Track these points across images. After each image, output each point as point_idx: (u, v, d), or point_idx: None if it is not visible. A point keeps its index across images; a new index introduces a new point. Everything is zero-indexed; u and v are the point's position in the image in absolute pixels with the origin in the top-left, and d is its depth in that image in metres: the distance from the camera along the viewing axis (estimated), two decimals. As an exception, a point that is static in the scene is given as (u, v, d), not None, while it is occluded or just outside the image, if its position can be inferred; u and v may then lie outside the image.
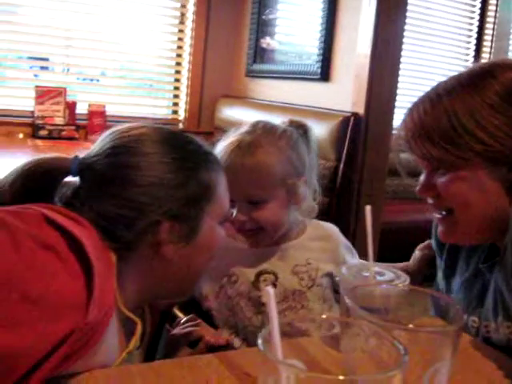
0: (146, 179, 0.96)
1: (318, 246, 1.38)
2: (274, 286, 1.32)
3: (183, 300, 1.35)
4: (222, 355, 0.96)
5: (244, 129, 1.34)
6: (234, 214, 1.19)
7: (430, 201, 1.14)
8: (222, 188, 1.06)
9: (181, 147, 1.02)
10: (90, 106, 3.42)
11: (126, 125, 1.04)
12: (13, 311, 0.73)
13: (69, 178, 0.96)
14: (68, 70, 3.57)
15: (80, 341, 0.78)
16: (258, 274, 1.33)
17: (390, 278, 1.00)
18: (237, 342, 1.29)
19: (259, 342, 0.53)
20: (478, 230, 1.11)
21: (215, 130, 3.67)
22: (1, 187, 0.96)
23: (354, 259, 1.45)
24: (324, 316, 0.83)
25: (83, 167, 0.96)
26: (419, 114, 1.12)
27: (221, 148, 1.29)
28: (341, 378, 0.50)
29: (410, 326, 0.65)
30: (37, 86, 3.33)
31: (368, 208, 1.02)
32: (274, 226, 1.31)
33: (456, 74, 1.12)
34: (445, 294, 1.25)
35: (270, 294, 0.53)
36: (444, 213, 1.13)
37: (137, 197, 0.95)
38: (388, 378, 0.51)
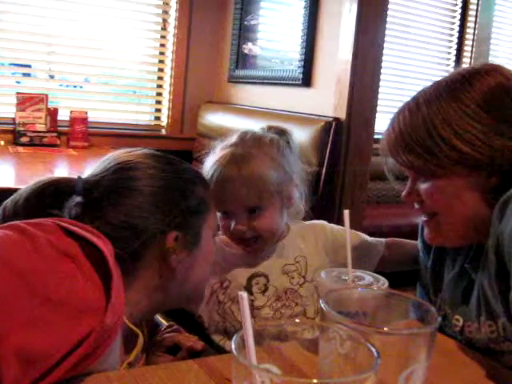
0: (152, 189, 1.02)
1: (305, 242, 1.41)
2: (266, 288, 1.35)
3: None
4: (202, 361, 0.96)
5: (233, 140, 1.36)
6: (233, 225, 1.28)
7: (415, 205, 1.16)
8: (212, 202, 1.14)
9: (177, 164, 1.10)
10: (71, 112, 3.40)
11: (128, 148, 1.11)
12: (35, 312, 0.76)
13: (75, 196, 1.00)
14: (53, 76, 3.55)
15: (95, 344, 0.80)
16: (250, 278, 1.36)
17: (368, 281, 1.01)
18: (228, 346, 1.29)
19: (232, 346, 0.53)
20: (461, 233, 1.13)
21: (198, 136, 3.67)
22: (14, 203, 0.99)
23: (368, 240, 1.48)
24: (297, 320, 0.83)
25: (88, 186, 1.01)
26: (399, 123, 1.13)
27: (213, 161, 1.31)
28: (314, 381, 0.50)
29: (385, 328, 0.65)
30: (18, 93, 3.31)
31: (346, 212, 1.03)
32: (271, 231, 1.34)
33: (437, 80, 1.14)
34: (423, 290, 1.27)
35: (243, 298, 0.54)
36: (428, 217, 1.15)
37: (144, 207, 1.01)
38: (361, 380, 0.51)
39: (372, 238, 1.48)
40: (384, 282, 1.00)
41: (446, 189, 1.09)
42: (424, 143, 1.08)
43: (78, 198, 1.00)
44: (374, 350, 0.55)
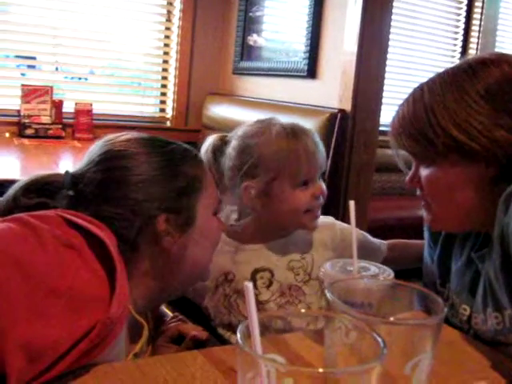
0: (137, 178, 1.01)
1: (313, 239, 1.41)
2: (271, 282, 1.35)
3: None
4: (207, 351, 0.96)
5: (277, 121, 1.37)
6: (316, 190, 1.32)
7: (417, 192, 1.18)
8: (208, 180, 1.12)
9: (163, 147, 1.08)
10: (76, 104, 3.41)
11: (112, 134, 1.09)
12: (40, 305, 0.76)
13: (65, 191, 1.01)
14: (57, 69, 3.56)
15: (100, 335, 0.80)
16: (254, 272, 1.36)
17: (374, 272, 1.01)
18: (234, 339, 1.30)
19: (238, 336, 0.53)
20: (458, 220, 1.14)
21: (203, 128, 3.67)
22: (6, 200, 1.00)
23: (372, 240, 1.50)
24: (303, 310, 0.83)
25: (75, 180, 1.02)
26: (403, 110, 1.14)
27: (277, 136, 1.32)
28: (320, 370, 0.50)
29: (391, 318, 0.65)
30: (23, 85, 3.31)
31: (352, 203, 1.03)
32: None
33: (445, 68, 1.13)
34: (427, 287, 1.27)
35: (248, 288, 0.53)
36: (427, 202, 1.16)
37: (131, 195, 1.00)
38: (366, 370, 0.51)
39: (375, 239, 1.49)
40: (390, 273, 1.00)
41: (443, 176, 1.10)
42: (423, 130, 1.09)
43: (67, 192, 1.00)
44: (379, 339, 0.54)
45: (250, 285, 0.53)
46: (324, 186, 1.35)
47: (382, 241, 1.50)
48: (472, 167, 1.06)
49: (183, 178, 1.06)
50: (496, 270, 1.01)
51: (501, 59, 1.08)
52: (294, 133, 1.33)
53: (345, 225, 1.46)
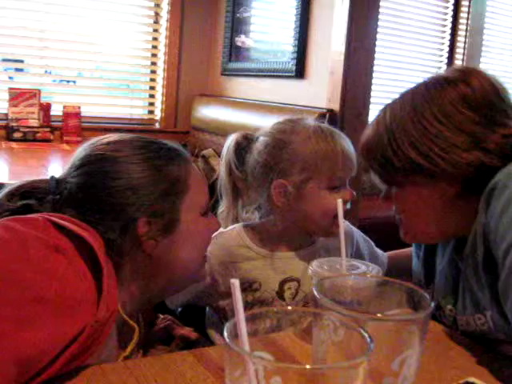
0: (117, 182, 1.00)
1: (337, 246, 1.37)
2: (297, 293, 1.32)
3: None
4: (196, 351, 0.96)
5: (307, 120, 1.35)
6: (345, 195, 1.28)
7: (394, 208, 1.19)
8: (195, 180, 1.09)
9: (145, 148, 1.06)
10: (64, 107, 3.39)
11: (95, 138, 1.08)
12: (27, 312, 0.76)
13: (50, 196, 1.00)
14: (46, 72, 3.55)
15: (89, 339, 0.80)
16: (283, 283, 1.32)
17: (363, 270, 1.01)
18: None
19: (225, 334, 0.53)
20: (432, 234, 1.15)
21: (192, 130, 3.67)
22: None
23: (376, 250, 1.49)
24: (290, 308, 0.83)
25: (59, 184, 1.02)
26: (368, 134, 1.16)
27: (313, 137, 1.29)
28: (307, 367, 0.50)
29: (378, 315, 0.66)
30: (10, 88, 3.30)
31: (339, 201, 1.04)
32: None
33: (406, 89, 1.14)
34: (417, 285, 1.27)
35: (235, 286, 0.53)
36: (400, 218, 1.17)
37: (110, 199, 0.99)
38: (353, 365, 0.51)
39: (378, 250, 1.49)
40: (378, 270, 1.00)
41: (409, 196, 1.12)
42: (386, 153, 1.10)
43: (52, 197, 1.00)
44: (366, 335, 0.55)
45: (236, 282, 0.53)
46: (354, 192, 1.32)
47: (384, 252, 1.50)
48: (435, 187, 1.07)
49: (165, 180, 1.04)
50: (478, 272, 1.01)
51: (459, 78, 1.08)
52: (332, 134, 1.30)
53: (359, 232, 1.45)
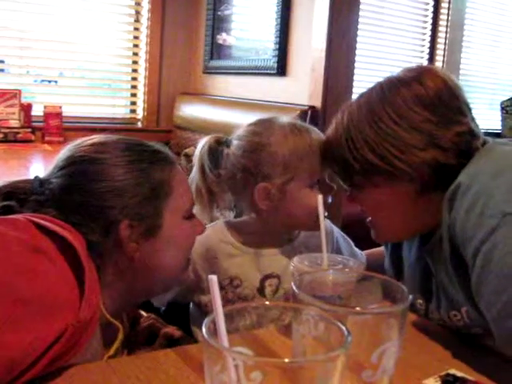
0: (98, 184, 1.00)
1: (318, 243, 1.37)
2: (277, 289, 1.32)
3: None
4: (179, 349, 0.96)
5: (278, 119, 1.34)
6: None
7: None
8: (179, 183, 1.09)
9: (129, 150, 1.06)
10: (45, 107, 3.37)
11: (80, 139, 1.07)
12: (8, 313, 0.75)
13: (33, 196, 1.00)
14: (27, 72, 3.52)
15: (72, 339, 0.80)
16: (264, 279, 1.32)
17: (344, 266, 1.02)
18: None
19: (203, 330, 0.53)
20: (397, 232, 1.16)
21: (174, 128, 3.66)
22: None
23: (355, 249, 1.49)
24: (267, 303, 0.83)
25: (43, 185, 1.01)
26: (328, 135, 1.19)
27: (286, 133, 1.28)
28: (286, 360, 0.51)
29: (357, 308, 0.66)
30: (-10, 89, 3.27)
31: (319, 197, 1.04)
32: None
33: (364, 91, 1.15)
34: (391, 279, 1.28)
35: (212, 281, 0.54)
36: (369, 219, 1.18)
37: (91, 201, 0.99)
38: (331, 358, 0.52)
39: (357, 249, 1.50)
40: (359, 265, 1.01)
41: (371, 197, 1.13)
42: (344, 155, 1.11)
43: (36, 197, 1.00)
44: (343, 328, 0.55)
45: (214, 277, 0.54)
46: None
47: (362, 252, 1.51)
48: (395, 186, 1.08)
49: (149, 183, 1.03)
50: (448, 271, 1.02)
51: (412, 78, 1.08)
52: (308, 130, 1.29)
53: (338, 231, 1.46)
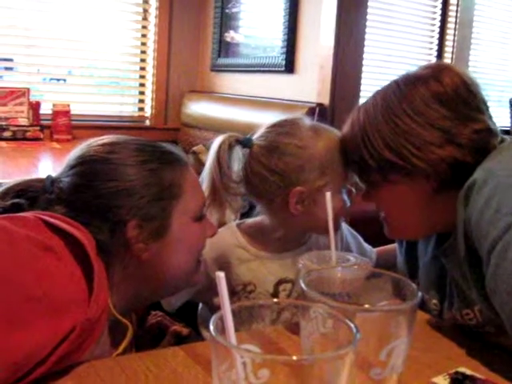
0: (108, 184, 1.00)
1: (327, 242, 1.35)
2: (291, 293, 1.30)
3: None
4: (187, 347, 0.96)
5: (303, 120, 1.30)
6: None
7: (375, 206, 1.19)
8: (190, 185, 1.08)
9: (140, 150, 1.05)
10: (54, 105, 3.38)
11: (93, 138, 1.07)
12: (19, 311, 0.76)
13: (46, 194, 1.01)
14: (39, 70, 3.53)
15: (80, 338, 0.80)
16: (278, 284, 1.30)
17: (352, 263, 1.01)
18: None
19: (211, 328, 0.53)
20: (413, 230, 1.16)
21: (182, 126, 3.66)
22: None
23: (364, 245, 1.48)
24: (275, 300, 0.83)
25: (54, 184, 1.02)
26: (344, 133, 1.19)
27: (320, 136, 1.25)
28: (294, 358, 0.50)
29: (366, 306, 0.66)
30: (-1, 87, 3.29)
31: (328, 194, 1.04)
32: None
33: (379, 89, 1.15)
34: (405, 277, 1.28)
35: (220, 279, 0.53)
36: (383, 215, 1.18)
37: (100, 201, 0.99)
38: (340, 355, 0.51)
39: (366, 245, 1.49)
40: (367, 262, 1.00)
41: (388, 195, 1.13)
42: (360, 152, 1.11)
43: (47, 196, 1.00)
44: (352, 325, 0.55)
45: (221, 274, 0.53)
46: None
47: (372, 248, 1.49)
48: (412, 183, 1.08)
49: (158, 184, 1.03)
50: (462, 268, 1.01)
51: (429, 75, 1.08)
52: (332, 131, 1.27)
53: (347, 227, 1.44)
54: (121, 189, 1.00)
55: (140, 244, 1.01)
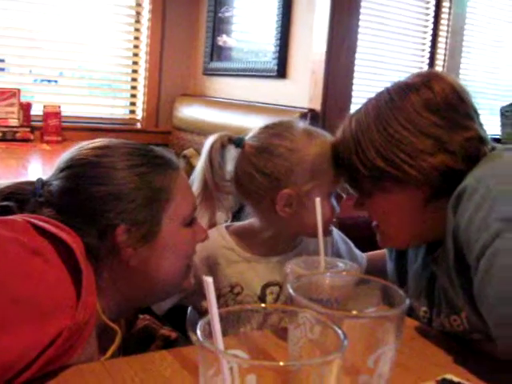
0: (97, 187, 0.99)
1: (316, 247, 1.34)
2: (278, 297, 1.30)
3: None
4: (175, 351, 0.96)
5: (295, 123, 1.30)
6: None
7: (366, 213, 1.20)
8: (180, 190, 1.07)
9: (131, 154, 1.05)
10: (45, 107, 3.37)
11: (85, 141, 1.07)
12: (5, 314, 0.75)
13: (36, 197, 1.00)
14: (31, 71, 3.52)
15: (67, 342, 0.80)
16: (265, 287, 1.30)
17: (341, 269, 1.01)
18: None
19: (198, 332, 0.53)
20: (407, 238, 1.16)
21: (173, 130, 3.65)
22: None
23: (355, 250, 1.47)
24: (263, 305, 0.83)
25: (44, 187, 1.01)
26: (335, 141, 1.19)
27: (312, 138, 1.25)
28: (281, 363, 0.50)
29: (354, 312, 0.66)
30: (-11, 88, 3.27)
31: (317, 200, 1.04)
32: None
33: (371, 97, 1.15)
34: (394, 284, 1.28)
35: (208, 283, 0.53)
36: (375, 223, 1.18)
37: (89, 204, 0.98)
38: (327, 362, 0.51)
39: (357, 251, 1.48)
40: (356, 268, 1.00)
41: (378, 203, 1.13)
42: (352, 161, 1.11)
43: (37, 199, 1.00)
44: (340, 332, 0.55)
45: (209, 279, 0.53)
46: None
47: (362, 253, 1.49)
48: (403, 192, 1.08)
49: (148, 189, 1.02)
50: (450, 274, 1.01)
51: (420, 83, 1.08)
52: (324, 134, 1.27)
53: (338, 232, 1.43)
54: (110, 192, 0.99)
55: (129, 249, 1.00)
